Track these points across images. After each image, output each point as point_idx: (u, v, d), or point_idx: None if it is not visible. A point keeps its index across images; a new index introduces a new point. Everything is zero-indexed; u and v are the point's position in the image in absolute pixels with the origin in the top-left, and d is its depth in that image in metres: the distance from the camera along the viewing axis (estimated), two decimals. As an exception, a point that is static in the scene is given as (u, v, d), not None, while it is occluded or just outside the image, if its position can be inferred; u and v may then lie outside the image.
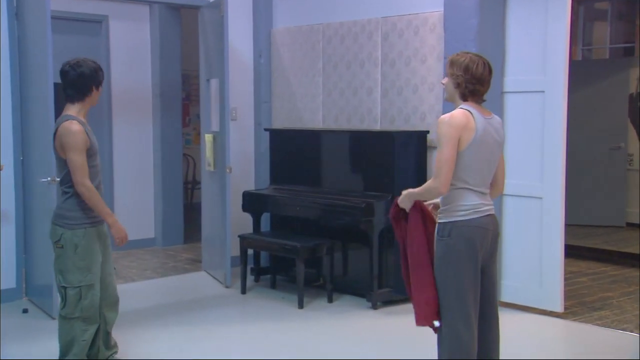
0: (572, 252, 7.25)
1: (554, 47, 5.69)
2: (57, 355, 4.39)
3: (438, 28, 6.13)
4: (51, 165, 5.20)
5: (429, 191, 3.66)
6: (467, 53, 3.77)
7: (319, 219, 6.33)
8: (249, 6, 7.55)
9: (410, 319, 5.55)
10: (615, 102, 9.52)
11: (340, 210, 6.08)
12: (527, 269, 5.89)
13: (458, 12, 5.93)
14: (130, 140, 8.37)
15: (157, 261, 7.91)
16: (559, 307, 5.80)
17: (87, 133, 4.20)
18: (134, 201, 8.37)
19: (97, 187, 4.30)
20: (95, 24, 8.09)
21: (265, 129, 7.32)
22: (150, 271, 7.45)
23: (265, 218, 7.07)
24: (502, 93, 5.97)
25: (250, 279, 6.76)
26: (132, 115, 8.37)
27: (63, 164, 4.23)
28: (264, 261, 7.11)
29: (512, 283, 5.97)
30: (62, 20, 7.37)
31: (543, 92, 5.77)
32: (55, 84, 5.14)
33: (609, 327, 5.56)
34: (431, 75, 6.21)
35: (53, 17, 5.59)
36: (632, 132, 9.60)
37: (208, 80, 7.13)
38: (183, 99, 9.44)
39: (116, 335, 4.63)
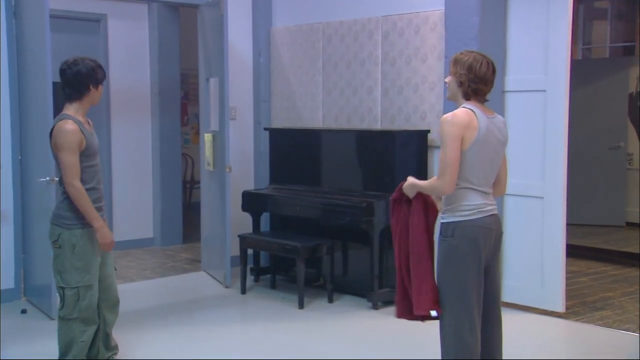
0: (572, 251, 7.22)
1: (555, 46, 5.67)
2: (56, 356, 4.36)
3: (439, 27, 6.10)
4: (50, 165, 5.18)
5: (434, 190, 3.65)
6: (471, 52, 3.75)
7: (319, 218, 6.29)
8: (248, 5, 7.52)
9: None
10: (615, 101, 9.51)
11: (341, 210, 6.05)
12: (528, 269, 5.87)
13: (459, 10, 5.90)
14: (129, 139, 8.34)
15: (156, 261, 7.88)
16: (560, 307, 5.77)
17: (83, 132, 4.16)
18: (133, 201, 8.34)
19: (96, 187, 4.27)
20: (93, 23, 8.05)
21: (265, 129, 7.29)
22: (149, 271, 7.42)
23: (265, 218, 7.04)
24: (503, 92, 5.94)
25: (249, 279, 6.74)
26: (131, 115, 8.34)
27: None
28: (263, 261, 7.08)
29: (513, 283, 5.95)
30: (61, 19, 7.34)
31: (544, 91, 5.75)
32: (55, 83, 5.11)
33: (610, 327, 5.54)
34: (432, 74, 6.18)
35: (51, 16, 5.55)
36: (632, 131, 9.59)
37: (207, 80, 7.10)
38: (181, 98, 9.40)
39: (116, 335, 4.59)
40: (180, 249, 8.47)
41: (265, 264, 7.02)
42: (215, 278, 6.98)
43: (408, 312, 3.84)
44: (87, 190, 4.20)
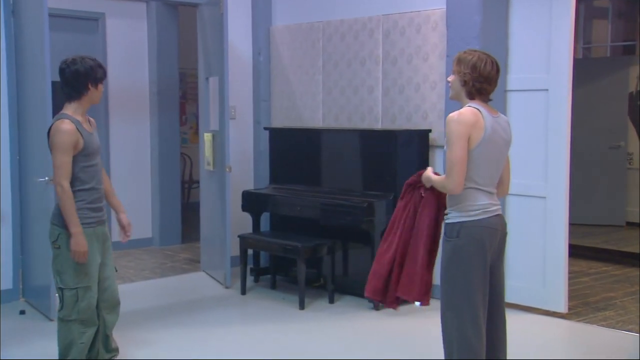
0: (572, 251, 7.15)
1: (557, 45, 5.63)
2: (56, 357, 4.32)
3: (440, 26, 6.06)
4: (49, 165, 5.12)
5: (442, 188, 3.63)
6: (475, 51, 3.72)
7: (320, 218, 6.25)
8: (248, 4, 7.48)
9: (413, 320, 5.59)
10: (615, 100, 9.48)
11: (342, 210, 6.02)
12: (530, 269, 5.83)
13: (461, 9, 5.87)
14: (127, 138, 8.29)
15: (155, 261, 7.84)
16: (562, 308, 5.74)
17: (80, 132, 4.11)
18: (131, 200, 8.23)
19: (96, 188, 4.23)
20: (92, 22, 8.01)
21: (265, 128, 7.25)
22: (149, 271, 7.38)
23: (265, 218, 7.00)
24: (505, 91, 5.91)
25: (249, 279, 6.69)
26: (129, 114, 8.29)
27: None
28: (263, 261, 7.04)
29: (515, 283, 5.90)
30: (59, 18, 7.29)
31: (547, 90, 5.71)
32: (54, 82, 5.07)
33: (613, 328, 5.51)
34: (433, 73, 6.14)
35: (49, 15, 5.49)
36: (632, 130, 9.56)
37: (207, 79, 7.06)
38: (180, 98, 9.35)
39: (115, 336, 4.54)
40: (179, 249, 8.43)
41: (265, 264, 6.98)
42: (215, 278, 6.94)
43: (380, 293, 3.89)
44: (86, 190, 4.17)
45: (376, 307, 5.92)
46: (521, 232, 5.85)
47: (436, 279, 3.85)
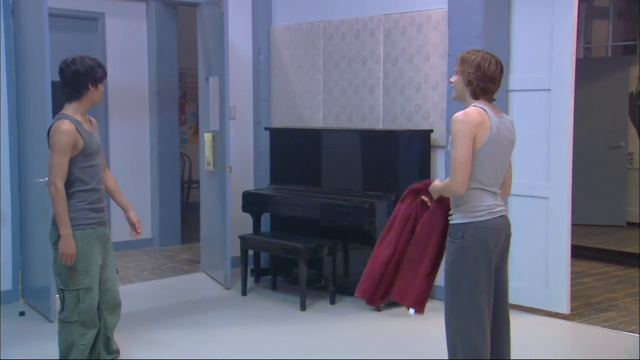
0: (574, 252, 7.11)
1: (560, 44, 5.60)
2: (56, 359, 4.28)
3: (442, 25, 6.04)
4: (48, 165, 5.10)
5: (447, 190, 3.59)
6: (479, 51, 3.71)
7: (321, 219, 6.23)
8: (248, 3, 7.45)
9: (414, 321, 5.56)
10: (615, 100, 9.47)
11: (343, 211, 5.99)
12: (532, 270, 5.80)
13: (463, 8, 5.84)
14: (127, 138, 8.26)
15: (154, 262, 7.81)
16: (565, 309, 5.71)
17: (80, 132, 4.08)
18: (131, 200, 7.98)
19: (97, 188, 4.20)
20: (91, 22, 7.98)
21: (266, 128, 7.22)
22: (148, 272, 7.35)
23: (265, 218, 6.97)
24: (507, 91, 5.88)
25: (250, 280, 6.66)
26: (129, 114, 8.26)
27: None
28: (263, 262, 7.00)
29: (517, 284, 5.86)
30: (58, 18, 7.25)
31: (549, 90, 5.69)
32: (54, 82, 5.04)
33: (616, 329, 5.49)
34: (435, 73, 6.12)
35: (49, 14, 5.45)
36: (632, 130, 9.55)
37: (207, 79, 7.03)
38: (179, 98, 9.32)
39: (115, 338, 4.51)
40: (178, 250, 8.39)
41: (266, 265, 6.95)
42: (215, 279, 6.91)
43: (369, 294, 3.91)
44: (86, 191, 4.14)
45: (378, 309, 5.89)
46: (523, 233, 5.81)
47: (439, 280, 3.83)
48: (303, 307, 5.97)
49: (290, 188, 6.68)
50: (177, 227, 8.70)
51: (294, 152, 6.80)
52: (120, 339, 4.68)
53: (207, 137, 6.87)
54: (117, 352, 4.44)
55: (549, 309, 5.77)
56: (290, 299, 6.27)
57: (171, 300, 6.42)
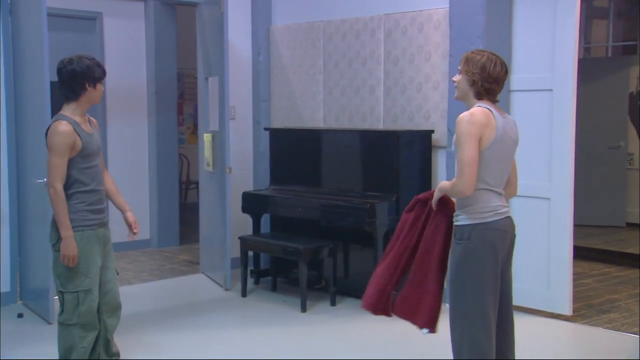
0: (574, 252, 7.13)
1: (562, 44, 5.57)
2: (56, 361, 4.25)
3: (443, 25, 6.01)
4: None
5: (453, 191, 3.54)
6: (484, 51, 3.68)
7: (321, 220, 6.19)
8: (247, 3, 7.42)
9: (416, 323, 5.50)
10: (615, 100, 9.44)
11: (344, 212, 5.95)
12: (534, 271, 5.76)
13: (464, 8, 5.80)
14: (125, 139, 8.21)
15: (153, 263, 7.76)
16: (567, 310, 5.68)
17: (78, 133, 4.03)
18: (129, 201, 7.97)
19: (96, 189, 4.16)
20: (89, 21, 7.93)
21: (265, 129, 7.18)
22: (147, 273, 7.30)
23: (265, 219, 6.93)
24: (509, 92, 5.85)
25: (249, 281, 6.62)
26: (127, 114, 8.22)
27: None
28: (263, 263, 6.96)
29: (519, 285, 5.73)
30: (56, 17, 7.19)
31: (551, 90, 5.66)
32: (52, 82, 4.99)
33: (619, 330, 5.46)
34: (436, 73, 6.08)
35: (47, 14, 5.42)
36: (632, 131, 9.53)
37: (206, 79, 6.99)
38: (177, 98, 9.28)
39: (115, 340, 4.46)
40: (177, 251, 8.35)
41: (265, 266, 6.91)
42: (214, 280, 6.87)
43: (376, 306, 3.89)
44: (86, 192, 4.10)
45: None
46: (525, 234, 5.75)
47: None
48: (304, 309, 5.94)
49: (290, 189, 6.65)
50: (176, 228, 8.65)
51: (294, 152, 6.76)
52: (119, 340, 4.63)
53: (207, 137, 6.83)
54: (117, 354, 4.40)
55: (551, 310, 5.74)
56: (290, 300, 6.24)
57: (171, 301, 6.38)
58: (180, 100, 10.95)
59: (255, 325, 5.76)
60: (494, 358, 3.58)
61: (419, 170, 6.03)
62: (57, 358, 4.21)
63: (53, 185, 4.00)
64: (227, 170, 6.41)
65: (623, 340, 5.27)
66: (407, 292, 3.79)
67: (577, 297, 6.11)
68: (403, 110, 6.33)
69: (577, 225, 7.74)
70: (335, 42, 6.84)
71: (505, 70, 3.64)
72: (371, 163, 6.17)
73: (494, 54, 3.65)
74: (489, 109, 3.52)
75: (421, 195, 3.82)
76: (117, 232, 7.91)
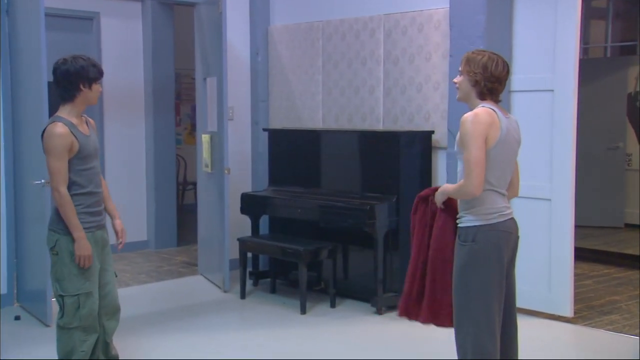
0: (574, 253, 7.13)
1: (563, 45, 5.54)
2: (55, 365, 4.21)
3: (443, 25, 5.97)
4: (45, 167, 5.00)
5: (460, 192, 3.50)
6: (484, 51, 3.65)
7: (321, 221, 6.16)
8: (245, 3, 7.37)
9: (416, 324, 5.47)
10: (613, 101, 9.43)
11: (344, 213, 5.92)
12: (535, 273, 5.73)
13: (465, 8, 5.77)
14: (122, 139, 8.17)
15: (151, 264, 7.71)
16: (568, 312, 5.66)
17: (75, 135, 3.98)
18: (126, 202, 8.11)
19: (94, 192, 4.10)
20: (86, 21, 7.87)
21: (264, 129, 7.13)
22: (145, 275, 7.25)
23: (263, 220, 6.89)
24: (510, 92, 5.81)
25: (248, 282, 6.57)
26: (124, 114, 8.17)
27: None
28: (262, 264, 6.92)
29: (520, 287, 5.61)
30: (52, 17, 7.14)
31: (552, 91, 5.63)
32: (50, 83, 4.95)
33: (620, 332, 5.43)
34: (436, 73, 6.05)
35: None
36: (631, 131, 9.52)
37: (204, 79, 6.95)
38: (174, 98, 9.23)
39: (114, 342, 4.42)
40: (175, 252, 8.30)
41: (264, 268, 6.87)
42: (212, 282, 6.82)
43: (407, 311, 3.86)
44: (83, 194, 4.04)
45: (379, 311, 5.83)
46: (526, 235, 5.63)
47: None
48: (303, 311, 5.90)
49: (289, 190, 6.61)
50: (173, 229, 8.60)
51: (293, 153, 6.72)
52: (118, 343, 4.58)
53: (205, 138, 6.79)
54: (116, 356, 4.36)
55: (552, 312, 5.71)
56: (289, 302, 6.20)
57: (169, 303, 6.33)
58: (177, 101, 10.90)
59: (254, 327, 5.71)
60: (499, 358, 3.55)
61: (419, 171, 5.99)
62: (57, 361, 4.17)
63: (57, 189, 3.95)
64: (226, 171, 6.37)
65: (624, 342, 5.24)
66: (433, 298, 3.75)
67: (577, 298, 6.08)
68: (403, 111, 6.30)
69: (576, 226, 7.74)
70: (335, 42, 6.80)
71: (507, 70, 3.61)
72: (371, 164, 6.13)
73: (495, 54, 3.62)
74: (493, 109, 3.49)
75: (422, 193, 3.82)
76: (114, 233, 7.90)
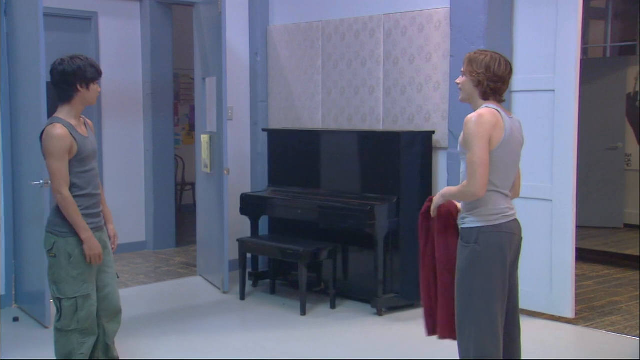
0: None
1: (564, 45, 5.52)
2: (53, 367, 4.17)
3: (444, 25, 5.95)
4: (43, 168, 4.98)
5: (464, 194, 3.46)
6: (487, 51, 3.63)
7: (321, 222, 6.14)
8: (245, 3, 7.34)
9: (417, 325, 5.46)
10: (613, 101, 9.41)
11: (344, 214, 5.89)
12: (536, 274, 5.71)
13: (465, 8, 5.75)
14: (121, 140, 8.13)
15: (149, 265, 7.68)
16: (570, 313, 5.63)
17: (73, 136, 3.94)
18: (124, 203, 8.12)
19: (92, 194, 4.07)
20: (84, 21, 7.84)
21: (264, 129, 7.11)
22: (144, 276, 7.22)
23: (263, 221, 6.86)
24: (511, 92, 5.79)
25: (247, 283, 6.54)
26: (122, 115, 8.14)
27: None
28: (261, 265, 6.89)
29: (521, 288, 5.64)
30: (50, 17, 7.11)
31: (553, 91, 5.60)
32: (49, 83, 4.92)
33: (622, 333, 5.40)
34: (437, 73, 6.03)
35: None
36: (630, 131, 9.49)
37: (204, 79, 6.92)
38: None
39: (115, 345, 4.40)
40: (173, 253, 8.26)
41: (264, 268, 6.84)
42: (212, 283, 6.79)
43: (428, 327, 3.84)
44: (81, 196, 4.00)
45: (379, 312, 5.80)
46: (527, 236, 5.57)
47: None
48: (303, 312, 5.87)
49: (289, 190, 6.58)
50: (172, 230, 8.56)
51: (293, 153, 6.70)
52: (119, 345, 4.56)
53: (204, 138, 6.76)
54: (117, 358, 4.32)
55: (554, 313, 5.69)
56: (289, 303, 6.17)
57: (168, 304, 6.29)
58: (175, 101, 10.87)
59: (254, 328, 5.69)
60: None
61: (420, 172, 5.97)
62: (55, 364, 4.14)
63: (59, 192, 3.91)
64: (225, 172, 6.34)
65: (626, 344, 5.22)
66: (446, 311, 3.70)
67: (578, 299, 6.05)
68: (403, 111, 6.27)
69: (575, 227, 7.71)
70: (334, 43, 6.78)
71: (510, 69, 3.59)
72: (371, 164, 6.11)
73: (498, 53, 3.60)
74: (497, 110, 3.47)
75: (423, 208, 3.77)
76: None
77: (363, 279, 6.07)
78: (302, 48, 7.05)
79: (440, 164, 6.03)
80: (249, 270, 6.61)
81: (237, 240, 6.43)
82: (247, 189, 7.27)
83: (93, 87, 4.06)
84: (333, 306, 6.03)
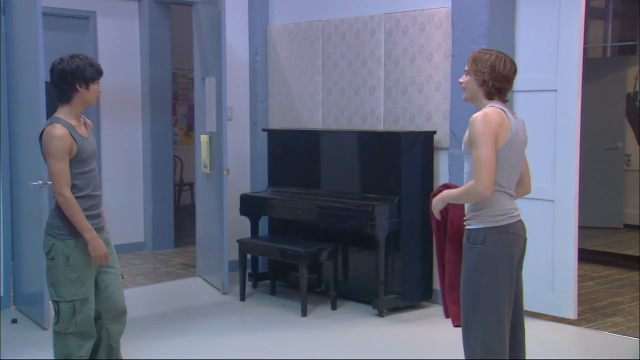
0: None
1: (566, 44, 5.49)
2: (52, 370, 4.13)
3: (445, 25, 5.92)
4: (42, 168, 4.95)
5: (469, 194, 3.40)
6: (491, 50, 3.60)
7: (322, 222, 6.10)
8: (244, 2, 7.31)
9: (418, 326, 5.46)
10: (613, 101, 9.39)
11: (345, 214, 5.86)
12: (539, 274, 5.67)
13: (467, 8, 5.72)
14: (119, 140, 8.09)
15: (148, 266, 7.64)
16: (572, 314, 5.60)
17: (73, 137, 3.89)
18: (123, 203, 8.08)
19: (91, 195, 4.03)
20: (82, 21, 7.79)
21: (264, 130, 7.07)
22: (142, 277, 7.18)
23: (263, 221, 6.83)
24: (513, 92, 5.75)
25: (247, 284, 6.50)
26: (121, 115, 8.09)
27: None
28: (261, 266, 6.85)
29: (523, 288, 5.76)
30: (48, 17, 7.05)
31: (555, 91, 5.58)
32: (48, 83, 4.88)
33: (624, 334, 5.38)
34: (438, 73, 5.99)
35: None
36: (630, 131, 9.47)
37: (203, 79, 6.88)
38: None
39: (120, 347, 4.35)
40: (172, 254, 8.22)
41: (263, 269, 6.80)
42: (211, 284, 6.76)
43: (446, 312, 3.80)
44: (81, 197, 3.95)
45: (380, 314, 5.77)
46: (529, 237, 5.53)
47: (438, 284, 3.72)
48: (304, 313, 5.84)
49: (289, 191, 6.54)
50: (171, 230, 8.52)
51: (293, 154, 6.66)
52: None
53: (204, 138, 6.72)
54: (119, 360, 4.28)
55: (556, 314, 5.66)
56: (290, 304, 6.14)
57: (168, 305, 6.25)
58: (173, 101, 10.83)
59: (254, 330, 5.66)
60: (507, 361, 3.50)
61: (421, 172, 5.94)
62: (54, 366, 4.10)
63: (61, 193, 3.86)
64: (225, 172, 6.30)
65: (629, 345, 5.20)
66: (453, 299, 3.70)
67: (580, 300, 6.02)
68: (404, 111, 6.24)
69: (576, 227, 7.66)
70: (335, 42, 6.74)
71: (515, 69, 3.57)
72: (372, 165, 6.08)
73: (502, 53, 3.58)
74: (502, 109, 3.44)
75: (435, 192, 3.75)
76: (111, 234, 7.81)
77: (364, 279, 6.04)
78: (302, 48, 7.02)
79: (442, 164, 6.00)
80: (248, 271, 6.57)
81: (237, 240, 6.40)
82: (247, 190, 7.23)
83: (93, 87, 4.00)
84: (334, 307, 6.00)
